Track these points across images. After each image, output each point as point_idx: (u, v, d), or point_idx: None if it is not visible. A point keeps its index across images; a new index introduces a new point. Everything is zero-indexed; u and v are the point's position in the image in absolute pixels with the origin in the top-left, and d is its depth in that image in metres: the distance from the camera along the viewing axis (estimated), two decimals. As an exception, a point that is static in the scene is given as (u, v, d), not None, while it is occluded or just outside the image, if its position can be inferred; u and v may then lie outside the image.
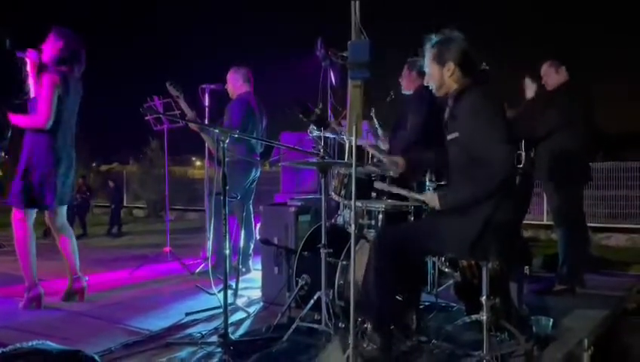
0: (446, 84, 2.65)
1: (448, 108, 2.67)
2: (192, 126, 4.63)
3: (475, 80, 2.63)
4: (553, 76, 4.22)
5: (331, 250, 3.01)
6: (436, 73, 2.66)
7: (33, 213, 3.72)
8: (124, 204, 16.10)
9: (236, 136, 2.94)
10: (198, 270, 4.91)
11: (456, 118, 2.58)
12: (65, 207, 3.89)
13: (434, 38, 2.69)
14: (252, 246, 4.93)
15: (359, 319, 2.70)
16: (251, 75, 4.90)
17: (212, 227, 4.56)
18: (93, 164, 18.60)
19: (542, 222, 9.38)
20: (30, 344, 1.66)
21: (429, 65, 2.69)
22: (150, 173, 15.16)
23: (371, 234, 2.96)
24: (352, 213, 2.30)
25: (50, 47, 3.66)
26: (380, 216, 2.95)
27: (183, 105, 4.29)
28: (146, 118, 5.31)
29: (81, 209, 9.67)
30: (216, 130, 2.90)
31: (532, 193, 2.90)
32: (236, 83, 4.85)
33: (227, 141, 2.82)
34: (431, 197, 2.61)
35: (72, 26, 3.73)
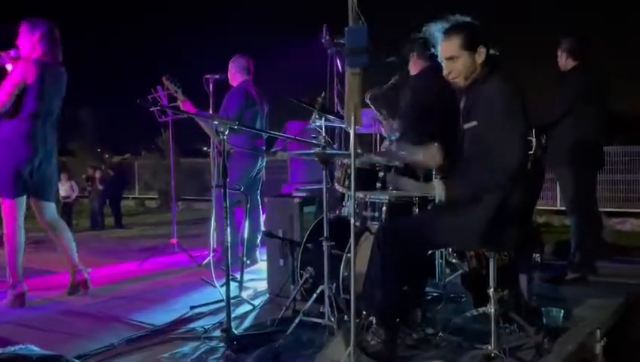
0: (477, 71, 2.49)
1: (467, 95, 2.55)
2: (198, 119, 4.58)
3: (494, 63, 2.51)
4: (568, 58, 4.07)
5: (333, 243, 2.93)
6: (467, 61, 2.46)
7: (22, 205, 3.58)
8: (136, 195, 16.22)
9: (236, 127, 2.88)
10: (205, 262, 4.89)
11: (477, 105, 2.46)
12: (52, 203, 3.74)
13: (449, 24, 2.51)
14: (259, 237, 4.89)
15: (364, 312, 2.65)
16: (251, 64, 4.82)
17: (213, 220, 4.53)
18: (106, 156, 18.67)
19: (555, 208, 9.25)
20: (12, 349, 1.64)
21: (455, 53, 2.47)
22: (161, 164, 15.19)
23: (375, 226, 2.89)
24: (353, 203, 2.24)
25: (27, 41, 3.55)
26: (384, 208, 2.88)
27: (181, 98, 4.27)
28: (151, 109, 5.27)
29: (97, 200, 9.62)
30: (215, 122, 2.83)
31: (544, 179, 2.83)
32: (231, 73, 4.81)
33: (227, 132, 2.76)
34: (435, 186, 2.54)
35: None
